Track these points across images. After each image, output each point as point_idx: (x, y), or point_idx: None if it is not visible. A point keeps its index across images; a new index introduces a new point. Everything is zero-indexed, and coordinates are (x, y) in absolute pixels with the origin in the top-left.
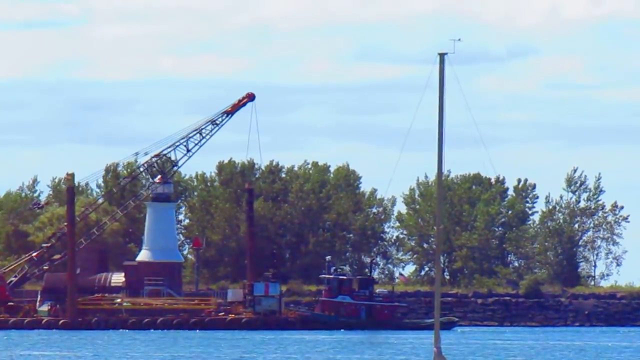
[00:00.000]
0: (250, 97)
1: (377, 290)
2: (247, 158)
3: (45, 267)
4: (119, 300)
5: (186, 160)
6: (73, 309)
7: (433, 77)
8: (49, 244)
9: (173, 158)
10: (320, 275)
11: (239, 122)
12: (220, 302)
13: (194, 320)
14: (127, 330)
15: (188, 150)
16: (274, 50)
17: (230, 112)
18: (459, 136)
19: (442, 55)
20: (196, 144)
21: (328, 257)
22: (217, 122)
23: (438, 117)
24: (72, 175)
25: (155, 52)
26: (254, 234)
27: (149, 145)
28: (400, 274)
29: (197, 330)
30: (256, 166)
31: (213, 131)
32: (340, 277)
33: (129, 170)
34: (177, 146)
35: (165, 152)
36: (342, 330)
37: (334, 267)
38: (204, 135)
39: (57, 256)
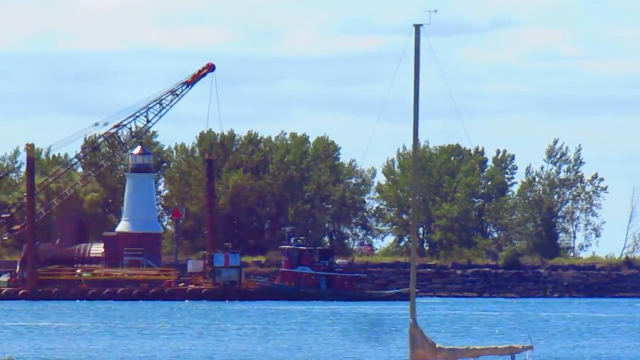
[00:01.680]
0: (210, 68)
1: (337, 261)
2: (207, 128)
3: (4, 238)
4: (78, 271)
5: (146, 131)
6: (33, 280)
7: (410, 48)
8: (8, 215)
9: (133, 128)
10: (280, 246)
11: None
12: (180, 272)
13: (154, 290)
14: (85, 301)
15: (148, 121)
16: (257, 22)
17: (190, 83)
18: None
19: (417, 27)
20: (156, 115)
21: (287, 228)
22: (177, 92)
23: (413, 89)
24: (32, 145)
25: (140, 22)
26: (214, 205)
27: (109, 116)
28: (362, 245)
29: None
30: (236, 137)
31: (173, 102)
32: (300, 247)
33: (99, 140)
34: (137, 117)
35: (125, 122)
36: (302, 300)
37: (293, 238)
38: (164, 105)
39: (16, 227)
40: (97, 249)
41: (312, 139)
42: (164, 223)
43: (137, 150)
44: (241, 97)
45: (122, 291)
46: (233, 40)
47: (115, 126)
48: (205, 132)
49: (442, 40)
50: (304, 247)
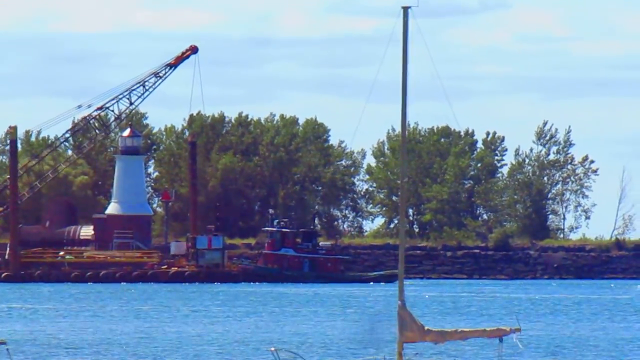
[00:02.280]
0: (194, 50)
1: (320, 243)
2: (190, 111)
3: None
4: (61, 253)
5: (129, 113)
6: (16, 262)
7: (398, 30)
8: None
9: (116, 111)
10: (263, 228)
11: (208, 75)
12: (163, 255)
13: (137, 273)
14: (69, 283)
15: (131, 103)
16: (246, 4)
17: (173, 65)
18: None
19: (405, 9)
20: (139, 97)
21: (271, 210)
22: (161, 74)
23: (402, 72)
24: (15, 128)
25: (131, 4)
26: (197, 187)
27: (92, 98)
28: (345, 228)
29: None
30: (227, 119)
31: (156, 84)
32: (283, 229)
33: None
34: (120, 99)
35: (108, 105)
36: (285, 283)
37: (276, 220)
38: (147, 87)
39: None
40: (86, 231)
41: (301, 121)
42: (154, 205)
43: (126, 132)
44: (231, 79)
45: (105, 274)
46: (223, 22)
47: (98, 108)
48: (194, 114)
49: (433, 22)
50: (287, 229)
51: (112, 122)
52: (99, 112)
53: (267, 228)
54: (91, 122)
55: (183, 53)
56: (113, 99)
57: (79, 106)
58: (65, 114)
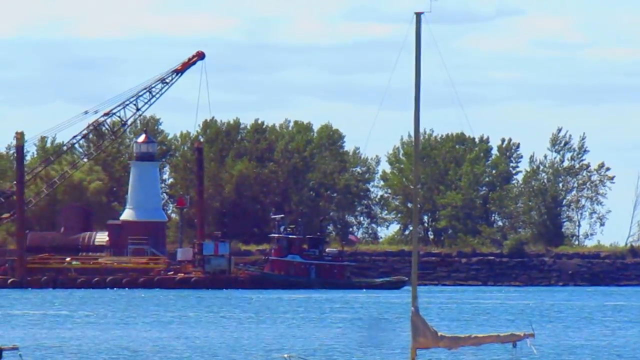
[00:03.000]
0: (200, 56)
1: (326, 250)
2: (197, 116)
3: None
4: (67, 259)
5: (136, 119)
6: (22, 268)
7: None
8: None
9: (123, 117)
10: (270, 235)
11: (223, 82)
12: (170, 261)
13: (143, 279)
14: (75, 290)
15: (137, 109)
16: (261, 9)
17: (180, 71)
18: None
19: (418, 15)
20: (146, 103)
21: (277, 216)
22: (167, 80)
23: (415, 78)
24: (22, 134)
25: (143, 10)
26: (203, 193)
27: (99, 104)
28: (351, 234)
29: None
30: (242, 125)
31: (163, 90)
32: (290, 236)
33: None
34: (127, 105)
35: (114, 110)
36: (291, 289)
37: (283, 226)
38: (153, 94)
39: (5, 215)
40: (101, 237)
41: (316, 127)
42: (169, 211)
43: (141, 138)
44: (246, 85)
45: (112, 279)
46: (238, 28)
47: (105, 114)
48: (209, 120)
49: (448, 28)
50: (294, 236)
51: (120, 127)
52: (105, 118)
53: (273, 234)
54: (99, 127)
55: (190, 59)
56: (119, 105)
57: (86, 112)
58: (72, 120)
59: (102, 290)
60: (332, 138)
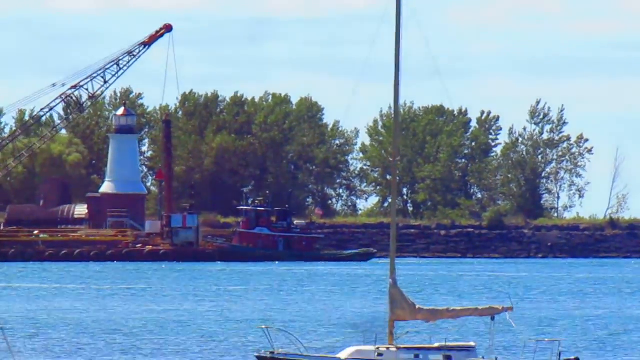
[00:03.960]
0: (168, 28)
1: (294, 222)
2: (164, 89)
3: None
4: (35, 232)
5: (104, 92)
6: None
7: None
8: None
9: (90, 90)
10: (238, 207)
11: (201, 55)
12: (138, 233)
13: (111, 252)
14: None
15: (105, 82)
16: None
17: (147, 43)
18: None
19: None
20: (113, 75)
21: (245, 189)
22: (134, 53)
23: (395, 51)
24: None
25: None
26: (171, 165)
27: (66, 77)
28: (317, 207)
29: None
30: (220, 98)
31: (130, 62)
32: (258, 208)
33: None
34: (95, 78)
35: (82, 83)
36: (259, 261)
37: (251, 199)
38: (121, 66)
39: None
40: (80, 210)
41: (295, 100)
42: (148, 184)
43: (120, 111)
44: (224, 58)
45: (80, 252)
46: (216, 1)
47: (73, 87)
48: (187, 93)
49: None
50: (262, 208)
51: (87, 100)
52: (73, 90)
53: (241, 207)
54: (67, 100)
55: (157, 32)
56: (87, 78)
57: (54, 85)
58: (39, 93)
59: (70, 263)
60: (311, 111)
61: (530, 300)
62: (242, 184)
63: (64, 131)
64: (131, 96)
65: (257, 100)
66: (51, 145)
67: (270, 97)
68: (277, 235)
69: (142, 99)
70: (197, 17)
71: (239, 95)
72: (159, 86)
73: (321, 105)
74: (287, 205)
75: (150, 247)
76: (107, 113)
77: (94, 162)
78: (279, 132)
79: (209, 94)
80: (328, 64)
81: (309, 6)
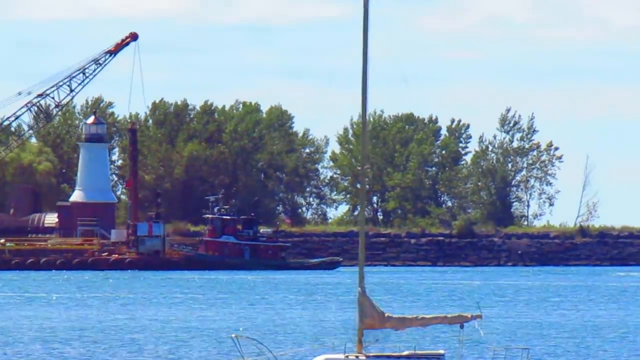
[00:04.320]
0: (133, 37)
1: (261, 230)
2: (130, 97)
3: None
4: (1, 241)
5: (70, 100)
6: None
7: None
8: None
9: (56, 98)
10: (204, 215)
11: (171, 63)
12: (104, 242)
13: (77, 260)
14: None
15: (71, 90)
16: None
17: (113, 52)
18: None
19: None
20: (79, 84)
21: (211, 197)
22: (101, 61)
23: (362, 58)
24: None
25: None
26: (137, 174)
27: (33, 85)
28: (284, 215)
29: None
30: (190, 107)
31: (96, 71)
32: (224, 217)
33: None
34: (60, 86)
35: (48, 91)
36: (226, 270)
37: (217, 207)
38: (87, 75)
39: None
40: (51, 218)
41: (265, 108)
42: (118, 193)
43: (90, 119)
44: (195, 66)
45: (46, 261)
46: (187, 8)
47: (39, 95)
48: (157, 101)
49: (398, 8)
50: (228, 217)
51: (53, 109)
52: (39, 99)
53: (207, 215)
54: (32, 108)
55: (123, 40)
56: (53, 86)
57: (19, 93)
58: (4, 101)
59: (36, 272)
60: (281, 119)
61: (500, 307)
62: (213, 193)
63: (33, 139)
64: (102, 105)
65: (227, 108)
66: (21, 154)
67: (241, 105)
68: (243, 243)
69: (112, 107)
70: (167, 25)
71: (208, 103)
72: (131, 94)
73: (291, 114)
74: (252, 214)
75: (116, 255)
76: (77, 122)
77: (64, 170)
78: (248, 140)
79: (179, 103)
80: (298, 72)
81: (280, 14)
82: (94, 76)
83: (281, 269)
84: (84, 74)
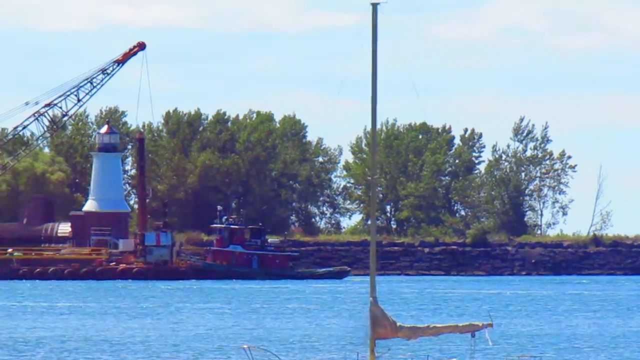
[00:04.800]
0: (141, 46)
1: (268, 240)
2: (137, 107)
3: None
4: (9, 250)
5: (77, 110)
6: None
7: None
8: None
9: (64, 108)
10: (212, 225)
11: (184, 72)
12: (112, 251)
13: (85, 270)
14: (18, 281)
15: (79, 100)
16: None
17: (121, 61)
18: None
19: (374, 5)
20: (87, 94)
21: (219, 207)
22: (108, 71)
23: (371, 68)
24: None
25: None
26: (144, 184)
27: (40, 94)
28: (295, 224)
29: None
30: (203, 116)
31: (104, 80)
32: (232, 226)
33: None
34: (68, 95)
35: (55, 101)
36: (233, 279)
37: (225, 217)
38: (94, 84)
39: None
40: (64, 228)
41: (279, 117)
42: (131, 202)
43: (104, 129)
44: (207, 75)
45: (54, 270)
46: (201, 17)
47: (46, 105)
48: (170, 111)
49: (411, 18)
50: (236, 226)
51: (61, 118)
52: (46, 108)
53: (215, 224)
54: (39, 118)
55: (130, 49)
56: (61, 96)
57: (27, 103)
58: (12, 111)
59: (43, 282)
60: (294, 128)
61: (511, 317)
62: (225, 202)
63: (47, 149)
64: (116, 115)
65: (240, 118)
66: (34, 164)
67: (254, 114)
68: (251, 253)
69: (125, 116)
70: (179, 34)
71: (221, 112)
72: (140, 104)
73: (304, 123)
74: (260, 224)
75: (124, 265)
76: (90, 131)
77: (77, 180)
78: (262, 149)
79: (192, 112)
80: (312, 81)
81: (293, 22)
82: (102, 86)
83: (289, 278)
84: (91, 83)
